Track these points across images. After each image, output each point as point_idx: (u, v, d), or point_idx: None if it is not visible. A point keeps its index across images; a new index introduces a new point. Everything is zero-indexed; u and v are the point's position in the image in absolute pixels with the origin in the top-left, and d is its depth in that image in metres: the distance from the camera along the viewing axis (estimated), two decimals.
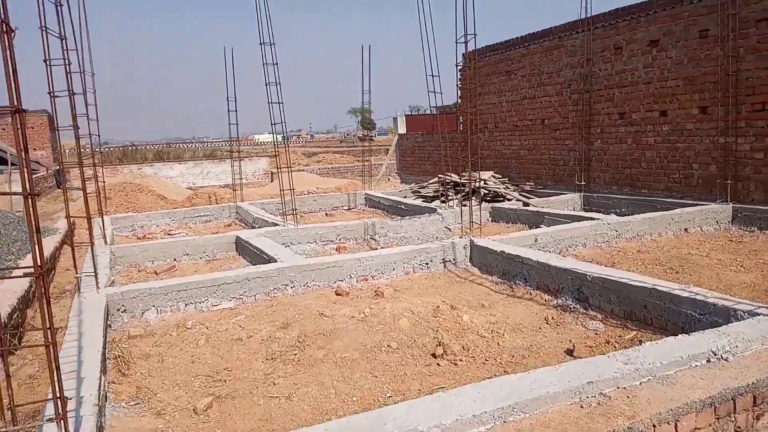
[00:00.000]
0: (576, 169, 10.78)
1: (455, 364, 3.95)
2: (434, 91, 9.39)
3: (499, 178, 12.15)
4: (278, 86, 8.74)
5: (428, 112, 24.90)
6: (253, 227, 10.32)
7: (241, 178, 12.99)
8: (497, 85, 12.86)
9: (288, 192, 9.15)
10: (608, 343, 4.33)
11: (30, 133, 21.68)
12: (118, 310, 5.24)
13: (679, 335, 3.32)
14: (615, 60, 9.81)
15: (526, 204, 10.16)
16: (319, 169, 23.35)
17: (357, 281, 6.06)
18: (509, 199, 10.73)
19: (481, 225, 7.07)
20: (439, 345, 4.17)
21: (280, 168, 9.37)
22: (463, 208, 10.36)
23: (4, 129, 23.00)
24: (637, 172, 9.66)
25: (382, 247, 8.58)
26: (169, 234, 10.78)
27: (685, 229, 7.77)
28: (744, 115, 7.93)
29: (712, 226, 7.91)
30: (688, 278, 5.78)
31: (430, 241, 8.71)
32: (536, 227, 8.71)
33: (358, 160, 27.23)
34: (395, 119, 17.82)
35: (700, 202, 8.34)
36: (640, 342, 4.25)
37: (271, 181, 22.12)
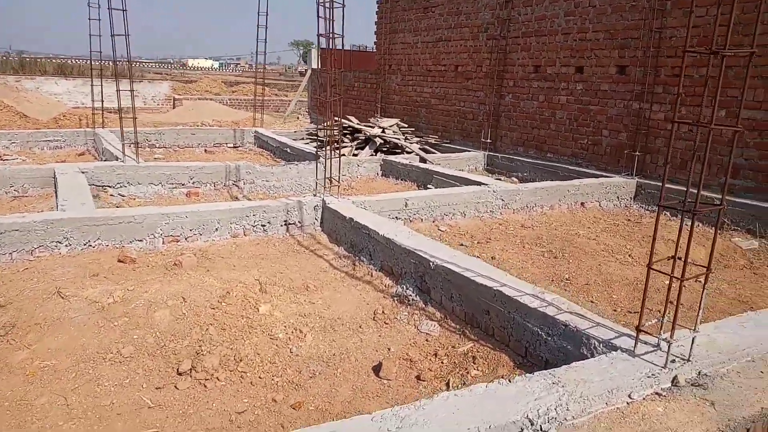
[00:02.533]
0: (484, 125, 9.69)
1: (204, 387, 2.77)
2: (325, 17, 7.91)
3: (405, 127, 10.92)
4: None
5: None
6: (102, 159, 8.72)
7: (101, 101, 10.95)
8: (414, 22, 11.44)
9: (131, 119, 7.55)
10: (436, 355, 3.28)
11: None
12: None
13: (494, 383, 2.25)
14: (536, 4, 8.60)
15: (423, 160, 9.02)
16: (230, 99, 21.30)
17: (164, 242, 4.75)
18: (409, 152, 9.56)
19: (339, 181, 5.84)
20: (197, 354, 2.98)
21: (117, 89, 7.70)
22: (351, 158, 9.13)
23: None
24: (545, 134, 8.67)
25: (245, 196, 7.27)
26: (1, 159, 8.99)
27: (582, 203, 6.86)
28: (663, 79, 6.97)
29: (613, 201, 7.05)
30: (566, 267, 4.83)
31: (305, 193, 7.48)
32: (425, 187, 7.62)
33: (275, 94, 25.32)
34: (308, 52, 15.91)
35: (605, 173, 7.44)
36: (474, 359, 3.22)
37: (173, 107, 20.01)
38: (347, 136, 10.24)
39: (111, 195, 6.93)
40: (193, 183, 7.33)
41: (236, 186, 7.57)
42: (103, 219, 4.50)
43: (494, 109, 9.54)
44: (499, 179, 8.87)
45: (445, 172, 7.38)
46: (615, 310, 4.08)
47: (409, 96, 11.82)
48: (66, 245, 4.38)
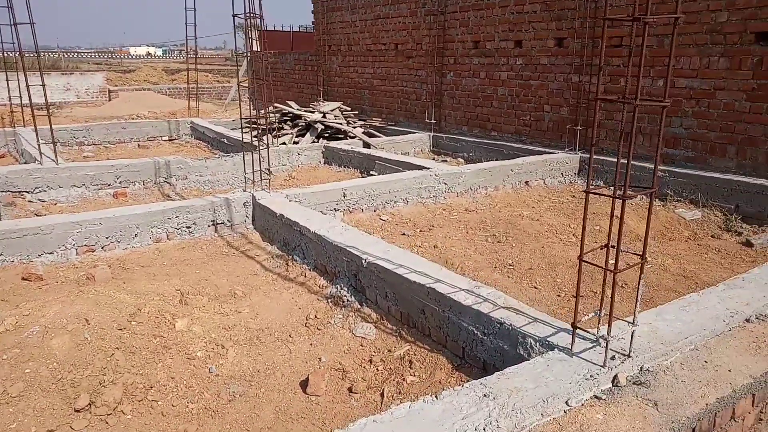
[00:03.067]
0: (428, 105, 9.46)
1: (106, 423, 2.47)
2: None
3: (348, 111, 10.58)
4: None
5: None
6: (22, 162, 8.10)
7: (19, 97, 10.18)
8: None
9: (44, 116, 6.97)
10: (371, 362, 3.06)
11: None
12: None
13: (419, 402, 2.03)
14: None
15: (366, 144, 8.74)
16: (169, 88, 20.41)
17: (78, 253, 4.34)
18: (352, 137, 9.25)
19: (270, 174, 5.52)
20: (100, 385, 2.66)
21: (23, 83, 7.08)
22: (291, 146, 8.76)
23: None
24: (488, 112, 8.50)
25: (178, 194, 6.86)
26: None
27: (526, 182, 6.73)
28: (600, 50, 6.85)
29: (557, 178, 6.95)
30: (509, 251, 4.67)
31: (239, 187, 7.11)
32: (368, 173, 7.36)
33: (217, 81, 24.46)
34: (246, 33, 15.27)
35: (548, 150, 7.33)
36: (411, 363, 3.01)
37: (109, 100, 19.04)
38: (287, 123, 9.85)
39: (29, 201, 6.41)
40: (120, 183, 6.86)
41: (167, 183, 7.13)
42: (5, 232, 4.06)
43: (437, 88, 9.31)
44: (445, 161, 8.69)
45: (388, 157, 7.13)
46: (559, 295, 3.94)
47: (351, 78, 11.47)
48: None
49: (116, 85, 21.40)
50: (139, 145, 10.31)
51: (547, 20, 7.36)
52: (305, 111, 9.79)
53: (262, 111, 10.16)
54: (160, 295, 3.61)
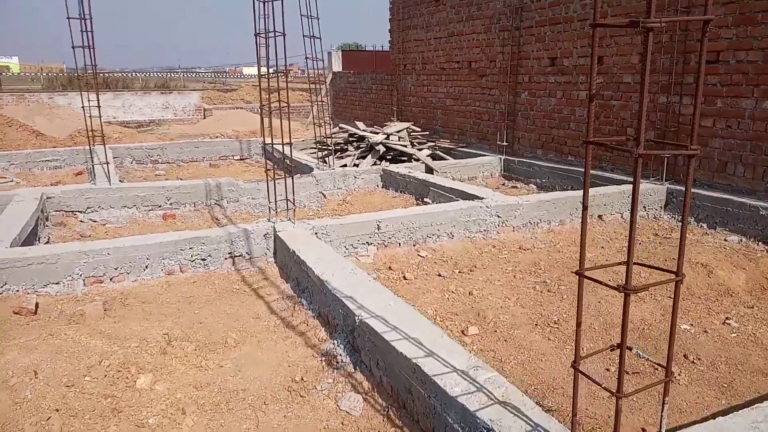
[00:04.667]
0: (501, 126, 8.74)
1: None
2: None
3: (417, 131, 10.07)
4: None
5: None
6: (90, 180, 8.35)
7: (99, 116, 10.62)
8: (425, 17, 10.58)
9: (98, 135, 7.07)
10: None
11: None
12: None
13: None
14: None
15: (429, 169, 8.17)
16: (258, 108, 20.98)
17: (85, 284, 4.15)
18: (416, 160, 8.72)
19: (294, 203, 5.11)
20: None
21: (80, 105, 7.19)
22: (348, 169, 8.38)
23: None
24: (565, 135, 7.64)
25: (227, 216, 6.69)
26: None
27: (600, 216, 5.86)
28: (693, 67, 5.86)
29: (639, 212, 5.98)
30: (558, 305, 3.92)
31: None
32: (423, 200, 6.81)
33: (308, 100, 24.89)
34: (329, 54, 15.21)
35: (631, 179, 6.38)
36: None
37: (203, 118, 19.87)
38: (353, 143, 9.52)
39: (81, 221, 6.47)
40: (171, 204, 6.79)
41: (218, 205, 6.98)
42: (10, 261, 3.94)
43: (510, 108, 8.58)
44: (515, 187, 7.94)
45: (442, 184, 6.52)
46: (608, 369, 3.17)
47: (425, 97, 10.97)
48: None
49: (214, 104, 22.36)
50: (210, 164, 10.42)
51: (630, 34, 6.46)
52: (369, 132, 9.41)
53: (334, 131, 9.86)
54: (142, 340, 3.27)
